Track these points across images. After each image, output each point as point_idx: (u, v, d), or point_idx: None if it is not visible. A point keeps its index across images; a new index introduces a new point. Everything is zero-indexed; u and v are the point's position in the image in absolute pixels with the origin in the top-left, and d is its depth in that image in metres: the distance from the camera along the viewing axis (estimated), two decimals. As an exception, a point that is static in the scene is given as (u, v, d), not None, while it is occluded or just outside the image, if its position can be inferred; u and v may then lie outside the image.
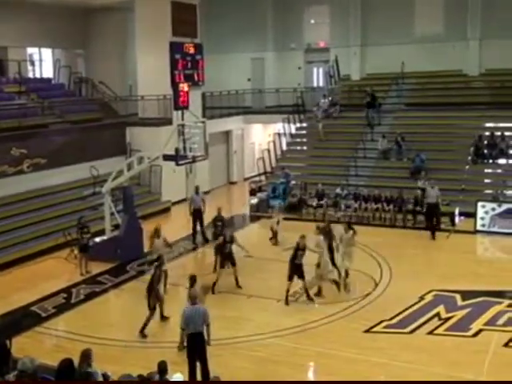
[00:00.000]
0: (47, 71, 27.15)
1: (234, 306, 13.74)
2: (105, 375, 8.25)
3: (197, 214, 19.30)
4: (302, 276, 13.75)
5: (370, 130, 25.42)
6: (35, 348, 11.33)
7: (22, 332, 12.49)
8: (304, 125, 27.78)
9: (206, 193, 20.82)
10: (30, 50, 26.77)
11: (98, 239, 17.53)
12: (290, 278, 13.66)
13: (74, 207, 20.00)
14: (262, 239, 19.17)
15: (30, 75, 26.16)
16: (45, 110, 22.15)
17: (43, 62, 27.35)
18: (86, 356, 7.95)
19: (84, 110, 23.88)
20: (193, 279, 11.49)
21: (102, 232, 17.95)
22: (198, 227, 19.18)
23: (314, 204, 21.71)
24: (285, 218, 20.61)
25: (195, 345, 9.82)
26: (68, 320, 13.44)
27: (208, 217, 18.72)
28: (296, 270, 13.65)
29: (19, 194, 19.29)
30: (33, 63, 26.61)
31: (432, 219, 18.91)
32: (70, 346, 11.30)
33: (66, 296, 14.63)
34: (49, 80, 26.24)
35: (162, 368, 8.10)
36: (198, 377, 9.81)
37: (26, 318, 13.41)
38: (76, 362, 7.78)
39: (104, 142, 22.60)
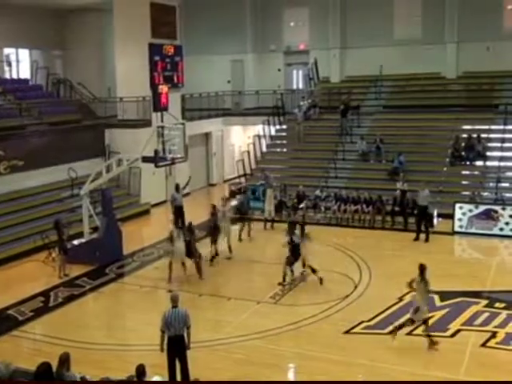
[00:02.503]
0: (24, 72, 26.88)
1: (214, 307, 13.73)
2: (83, 379, 8.19)
3: (178, 212, 19.41)
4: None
5: (345, 135, 25.54)
6: (12, 352, 11.19)
7: (-1, 336, 12.36)
8: (284, 127, 27.86)
9: (187, 194, 20.81)
10: (6, 51, 26.46)
11: (76, 242, 17.39)
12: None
13: (52, 209, 19.80)
14: (242, 241, 19.16)
15: (7, 76, 25.88)
16: (22, 111, 21.93)
17: (20, 63, 27.06)
18: (64, 360, 7.88)
19: (62, 112, 23.69)
20: None
21: (80, 234, 17.80)
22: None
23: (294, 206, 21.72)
24: (265, 220, 20.68)
25: (176, 347, 9.78)
26: (46, 323, 13.30)
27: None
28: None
29: (-4, 196, 19.09)
30: (10, 64, 26.31)
31: (421, 222, 18.83)
32: (48, 349, 11.20)
33: (43, 299, 14.47)
34: (26, 81, 25.99)
35: (140, 371, 8.06)
36: (178, 379, 9.77)
37: (2, 322, 13.22)
38: (54, 366, 7.71)
39: (82, 143, 22.42)
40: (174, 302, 9.91)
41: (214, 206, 17.69)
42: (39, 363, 7.55)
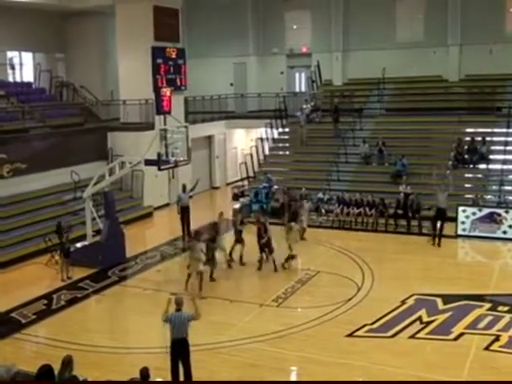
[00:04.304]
0: (27, 75, 26.92)
1: (217, 310, 13.69)
2: (86, 381, 8.19)
3: (184, 212, 19.57)
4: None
5: (338, 138, 25.65)
6: (15, 355, 11.21)
7: (2, 339, 12.35)
8: (286, 130, 27.86)
9: (189, 197, 20.86)
10: (10, 54, 26.51)
11: (79, 244, 17.40)
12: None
13: (55, 212, 19.79)
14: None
15: (10, 79, 25.92)
16: (25, 114, 21.94)
17: (23, 66, 27.11)
18: (67, 363, 7.87)
19: (65, 115, 23.71)
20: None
21: (83, 237, 17.81)
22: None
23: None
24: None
25: (179, 351, 9.75)
26: (49, 326, 13.29)
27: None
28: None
29: (-1, 199, 19.11)
30: (13, 67, 26.35)
31: (436, 224, 18.58)
32: (51, 352, 11.18)
33: (46, 302, 14.47)
34: (29, 84, 26.02)
35: (144, 374, 8.04)
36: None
37: (5, 325, 13.22)
38: (57, 369, 7.70)
39: (85, 146, 22.41)
40: (178, 305, 9.83)
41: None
42: (41, 365, 7.54)
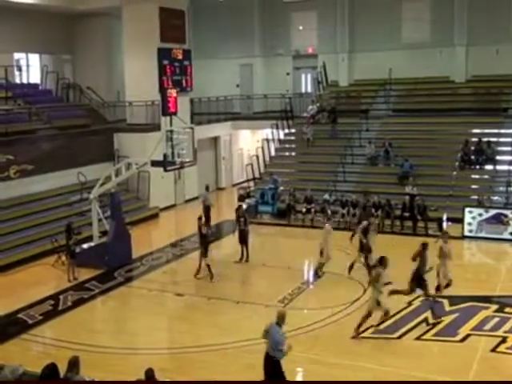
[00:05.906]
0: (34, 77, 27.01)
1: (223, 311, 13.70)
2: (92, 381, 8.20)
3: (207, 211, 20.15)
4: None
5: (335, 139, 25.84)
6: (22, 355, 11.23)
7: (9, 339, 12.38)
8: (292, 131, 27.84)
9: (195, 198, 20.94)
10: (16, 56, 26.61)
11: (85, 245, 17.44)
12: None
13: (61, 213, 19.87)
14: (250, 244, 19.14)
15: (17, 81, 26.01)
16: (32, 115, 22.01)
17: (30, 68, 27.20)
18: (74, 363, 7.87)
19: (71, 116, 23.77)
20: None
21: (89, 238, 17.85)
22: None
23: (303, 210, 21.72)
24: (274, 224, 20.66)
25: (267, 366, 9.40)
26: (55, 327, 13.33)
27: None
28: None
29: (5, 200, 19.16)
30: (20, 69, 26.44)
31: None
32: (57, 353, 11.22)
33: (53, 303, 14.52)
34: (36, 85, 26.11)
35: (149, 375, 8.04)
36: None
37: (12, 325, 13.28)
38: (63, 369, 7.71)
39: (92, 148, 22.50)
40: (279, 319, 9.48)
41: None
42: (45, 364, 7.55)
